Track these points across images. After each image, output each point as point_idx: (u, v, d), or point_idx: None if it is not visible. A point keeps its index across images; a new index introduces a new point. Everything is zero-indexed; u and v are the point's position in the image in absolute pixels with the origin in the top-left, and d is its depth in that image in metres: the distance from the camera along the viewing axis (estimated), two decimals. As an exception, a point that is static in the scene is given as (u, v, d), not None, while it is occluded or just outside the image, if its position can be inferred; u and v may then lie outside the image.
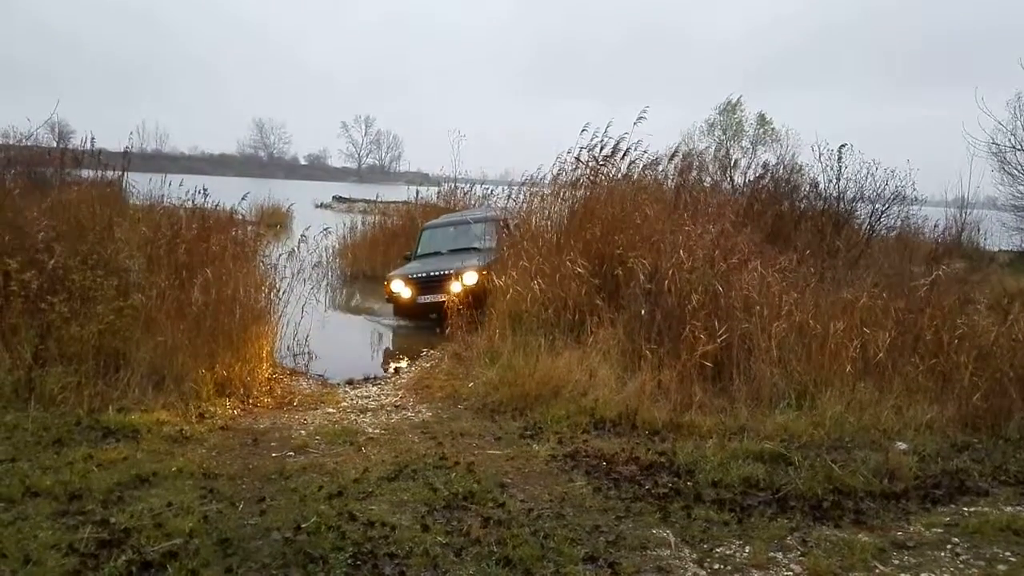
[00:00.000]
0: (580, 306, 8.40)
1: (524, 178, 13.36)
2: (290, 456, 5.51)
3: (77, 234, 7.99)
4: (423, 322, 12.19)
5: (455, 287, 11.28)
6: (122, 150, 10.74)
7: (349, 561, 3.75)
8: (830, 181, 12.12)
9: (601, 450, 5.80)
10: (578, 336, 8.07)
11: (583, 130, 10.66)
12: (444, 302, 10.85)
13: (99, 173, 10.58)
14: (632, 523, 4.44)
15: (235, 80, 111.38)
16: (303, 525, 4.12)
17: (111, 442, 5.54)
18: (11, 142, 9.99)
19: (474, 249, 12.67)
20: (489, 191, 19.06)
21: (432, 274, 12.19)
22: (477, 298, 10.68)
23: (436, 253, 13.45)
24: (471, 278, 11.36)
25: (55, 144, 10.97)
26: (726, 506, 4.70)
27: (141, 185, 11.62)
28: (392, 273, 13.01)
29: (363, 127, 61.88)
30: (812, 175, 12.56)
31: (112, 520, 4.11)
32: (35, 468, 4.86)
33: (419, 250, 13.83)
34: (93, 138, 11.47)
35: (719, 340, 7.07)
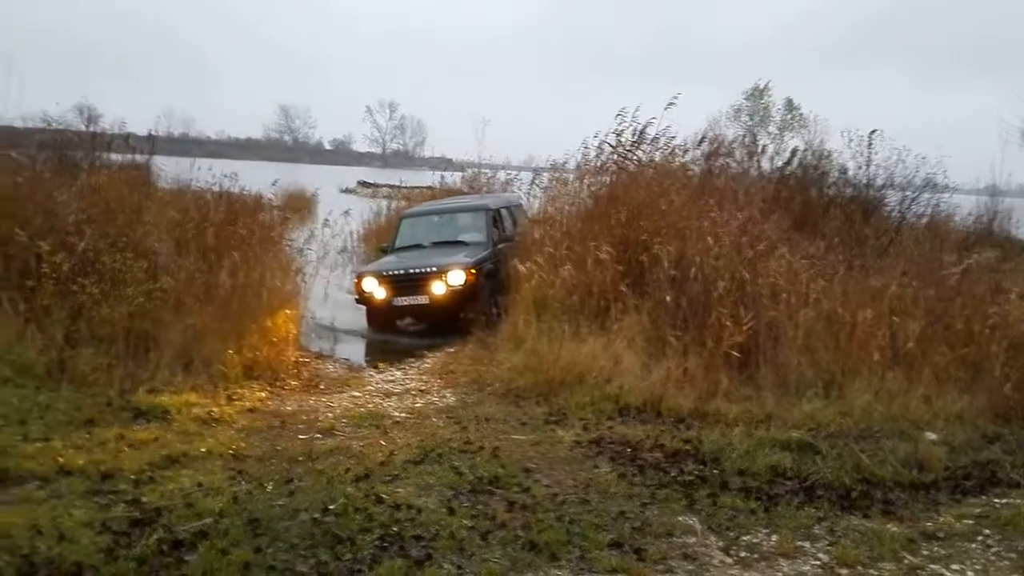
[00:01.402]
0: (605, 292, 8.36)
1: (548, 164, 13.25)
2: (317, 438, 5.56)
3: (107, 217, 8.07)
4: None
5: (438, 288, 10.08)
6: (153, 133, 10.84)
7: (376, 543, 3.79)
8: (859, 168, 11.94)
9: (626, 437, 5.79)
10: (603, 323, 8.04)
11: (618, 114, 10.53)
12: (425, 305, 10.18)
13: (129, 157, 10.67)
14: (658, 510, 4.44)
15: (261, 64, 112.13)
16: (331, 507, 4.16)
17: (142, 423, 5.63)
18: (41, 126, 10.08)
19: (461, 243, 11.26)
20: (513, 176, 18.94)
21: (412, 271, 10.35)
22: (463, 301, 9.97)
23: (417, 246, 11.53)
24: (457, 277, 10.09)
25: (84, 127, 11.06)
26: (752, 494, 4.68)
27: (169, 169, 11.75)
28: (364, 268, 11.25)
29: (387, 112, 62.01)
30: (841, 162, 12.38)
31: (143, 499, 4.18)
32: (68, 447, 4.94)
33: (397, 242, 11.86)
34: (124, 122, 11.59)
35: (745, 328, 7.01)
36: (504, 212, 12.24)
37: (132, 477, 4.50)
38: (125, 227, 7.96)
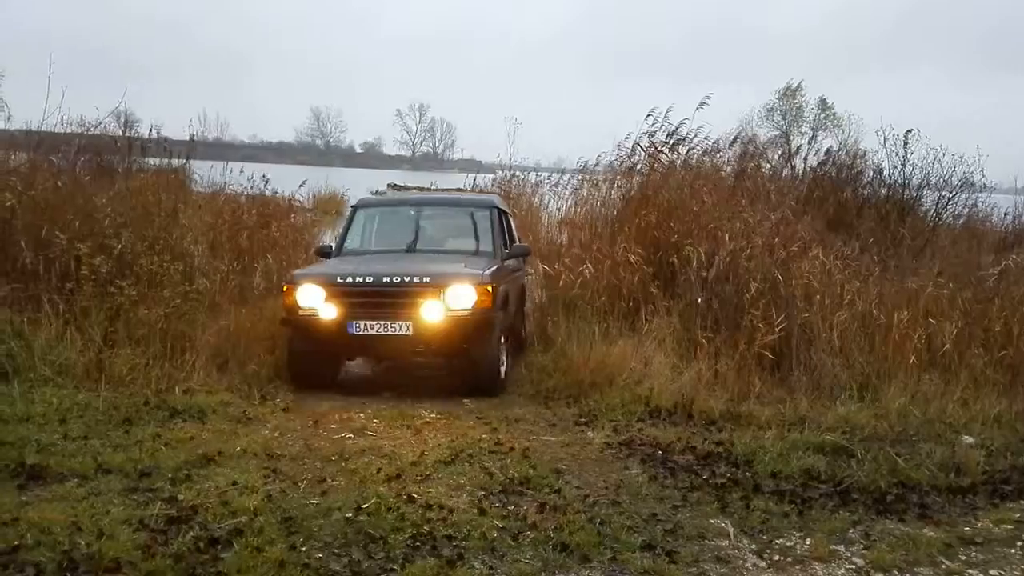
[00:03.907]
0: (634, 294, 8.34)
1: (578, 165, 13.18)
2: (349, 438, 5.61)
3: (144, 220, 8.23)
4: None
5: (430, 311, 6.64)
6: (187, 137, 11.03)
7: (408, 542, 3.81)
8: (895, 167, 11.79)
9: (657, 439, 5.77)
10: (632, 324, 8.03)
11: (648, 115, 10.51)
12: (403, 339, 6.75)
13: (165, 161, 10.87)
14: (690, 512, 4.41)
15: (294, 68, 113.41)
16: (363, 506, 4.19)
17: (178, 422, 5.71)
18: (80, 130, 10.29)
19: (458, 252, 7.85)
20: (545, 178, 18.77)
21: (387, 281, 6.80)
22: (466, 338, 6.76)
23: (386, 252, 7.95)
24: (462, 296, 6.71)
25: (122, 132, 11.28)
26: (786, 498, 4.63)
27: (203, 172, 11.94)
28: (300, 272, 7.30)
29: (417, 115, 62.35)
30: (876, 161, 12.23)
31: (180, 497, 4.23)
32: (106, 446, 5.04)
33: (349, 242, 8.12)
34: (160, 127, 11.81)
35: (778, 329, 6.95)
36: (505, 218, 8.83)
37: (169, 475, 4.57)
38: (162, 230, 8.11)
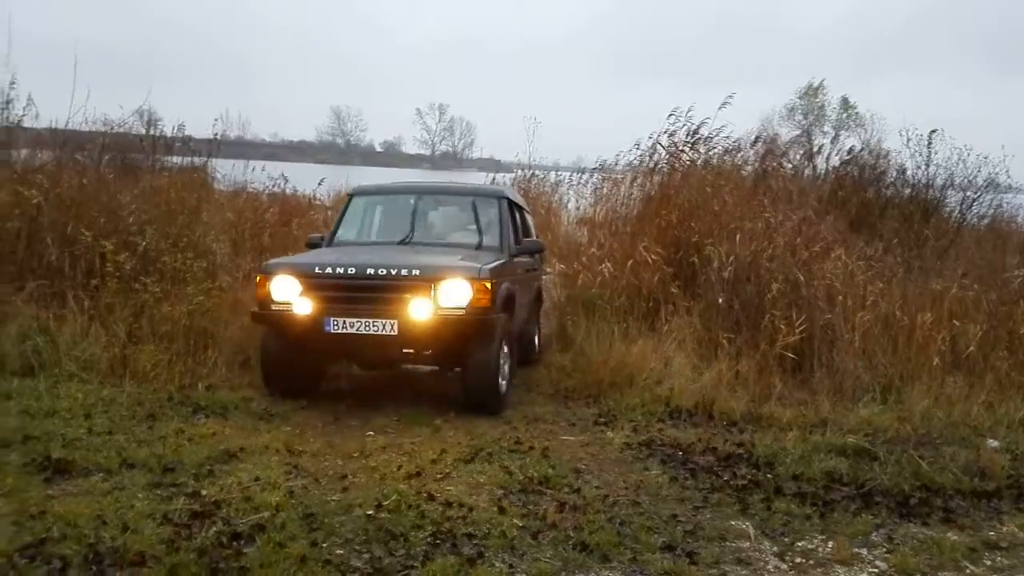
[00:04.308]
0: (654, 293, 8.32)
1: (598, 164, 13.13)
2: (370, 436, 5.63)
3: (167, 218, 8.32)
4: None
5: (418, 308, 5.90)
6: (210, 136, 11.12)
7: (429, 540, 3.82)
8: (918, 167, 11.67)
9: (677, 439, 5.75)
10: (652, 324, 8.00)
11: (670, 114, 10.46)
12: (388, 339, 5.93)
13: (187, 159, 10.98)
14: (710, 514, 4.40)
15: (315, 68, 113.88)
16: (384, 503, 4.21)
17: (200, 418, 5.77)
18: (105, 129, 10.41)
19: (457, 246, 7.01)
20: (565, 177, 18.68)
21: (372, 272, 6.03)
22: (461, 342, 6.06)
23: (378, 244, 7.27)
24: (456, 292, 5.96)
25: (145, 131, 11.40)
26: (807, 500, 4.61)
27: (224, 171, 12.03)
28: (274, 262, 6.56)
29: (437, 114, 62.38)
30: (899, 161, 12.11)
31: (203, 492, 4.27)
32: (130, 441, 5.09)
33: (341, 233, 7.42)
34: (183, 125, 11.90)
35: (799, 330, 6.90)
36: (518, 213, 8.07)
37: (192, 470, 4.61)
38: (185, 228, 8.20)
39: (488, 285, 6.06)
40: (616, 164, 12.30)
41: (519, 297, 7.11)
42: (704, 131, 10.41)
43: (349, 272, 6.10)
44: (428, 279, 5.99)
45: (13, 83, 8.21)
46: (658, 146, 10.39)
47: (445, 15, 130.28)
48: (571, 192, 14.65)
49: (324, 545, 3.70)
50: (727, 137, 10.72)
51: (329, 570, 3.47)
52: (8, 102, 8.39)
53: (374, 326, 5.94)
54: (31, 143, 9.52)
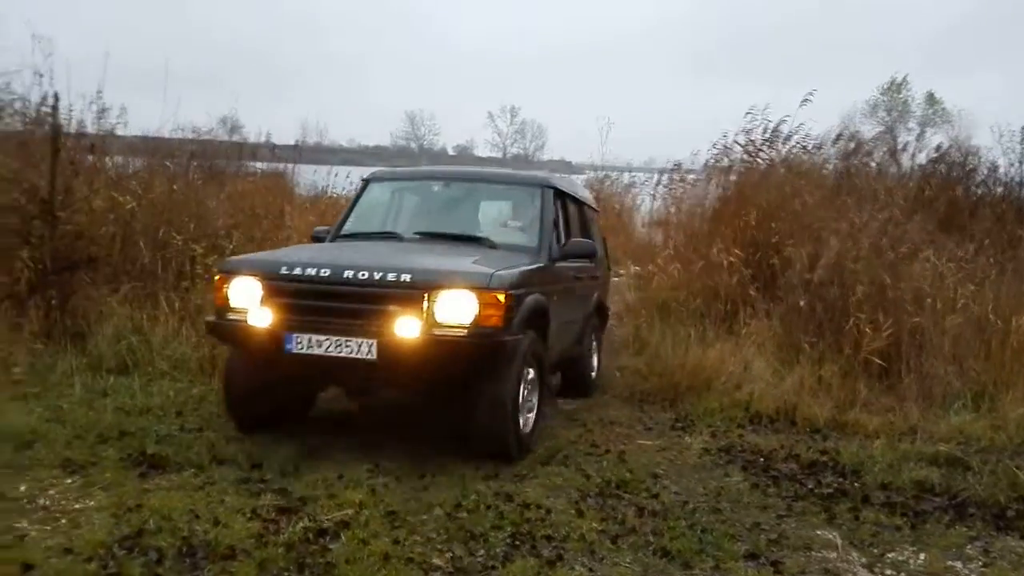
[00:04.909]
0: (732, 296, 8.17)
1: (671, 164, 12.90)
2: (447, 435, 5.68)
3: (252, 222, 8.61)
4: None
5: (405, 326, 4.52)
6: (293, 143, 11.49)
7: (508, 540, 3.84)
8: (1011, 165, 11.17)
9: (758, 446, 5.64)
10: (730, 327, 7.86)
11: (747, 112, 10.25)
12: (364, 364, 4.58)
13: (272, 165, 11.34)
14: (795, 522, 4.29)
15: (388, 74, 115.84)
16: (463, 503, 4.25)
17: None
18: (193, 136, 10.87)
19: (481, 241, 5.74)
20: (638, 178, 18.42)
21: (347, 277, 4.69)
22: (462, 370, 4.71)
23: (387, 236, 5.97)
24: (456, 306, 4.56)
25: (228, 137, 11.83)
26: (897, 510, 4.46)
27: (305, 176, 12.37)
28: (235, 260, 5.30)
29: (508, 117, 62.65)
30: (991, 159, 11.60)
31: (289, 489, 4.39)
32: (220, 438, 5.25)
33: (351, 223, 6.27)
34: (269, 133, 12.34)
35: (886, 334, 6.68)
36: (574, 208, 6.85)
37: (278, 467, 4.74)
38: (269, 231, 8.46)
39: (501, 297, 4.61)
40: (692, 164, 12.12)
41: (560, 312, 5.74)
42: (784, 129, 10.16)
43: (322, 275, 4.72)
44: (419, 287, 4.57)
45: (100, 92, 8.56)
46: (735, 145, 10.19)
47: (519, 16, 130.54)
48: (644, 193, 14.52)
49: (406, 543, 3.75)
50: (808, 135, 10.44)
51: (412, 568, 3.52)
52: (103, 111, 8.78)
53: (347, 347, 4.57)
54: (124, 151, 9.96)
